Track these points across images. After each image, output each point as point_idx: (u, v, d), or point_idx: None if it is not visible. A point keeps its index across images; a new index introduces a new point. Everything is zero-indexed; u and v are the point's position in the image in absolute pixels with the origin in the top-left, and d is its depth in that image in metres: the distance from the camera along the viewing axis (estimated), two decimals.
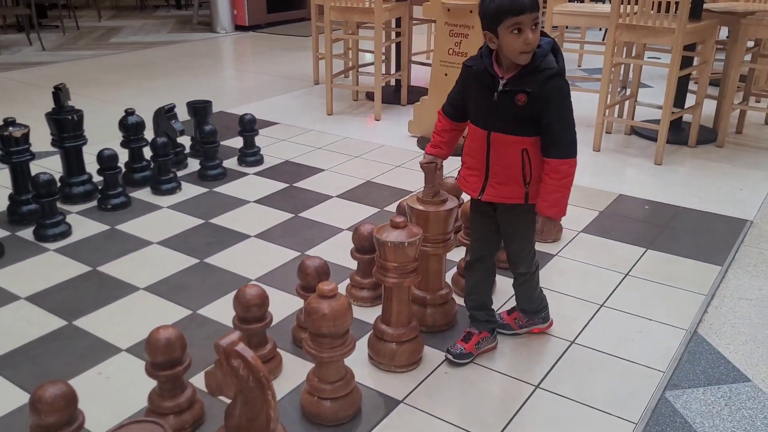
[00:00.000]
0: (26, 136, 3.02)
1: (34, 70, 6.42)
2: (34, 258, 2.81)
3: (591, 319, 2.37)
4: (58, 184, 3.11)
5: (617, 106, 4.47)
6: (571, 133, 1.89)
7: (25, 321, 2.37)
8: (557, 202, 1.93)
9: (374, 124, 4.75)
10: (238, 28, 8.70)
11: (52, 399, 1.56)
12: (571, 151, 1.89)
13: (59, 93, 3.20)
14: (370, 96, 5.26)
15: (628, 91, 4.57)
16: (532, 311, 2.22)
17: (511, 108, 1.85)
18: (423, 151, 4.04)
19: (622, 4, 3.80)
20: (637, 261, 2.77)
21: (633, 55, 4.33)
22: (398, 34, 5.24)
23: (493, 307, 2.24)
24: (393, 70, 5.50)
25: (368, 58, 5.83)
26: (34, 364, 2.14)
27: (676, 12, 3.63)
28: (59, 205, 3.07)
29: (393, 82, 5.60)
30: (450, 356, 2.13)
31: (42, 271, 2.70)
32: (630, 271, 2.70)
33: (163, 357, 1.78)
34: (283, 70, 6.47)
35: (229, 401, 1.66)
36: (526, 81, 1.83)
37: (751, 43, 4.29)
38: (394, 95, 5.32)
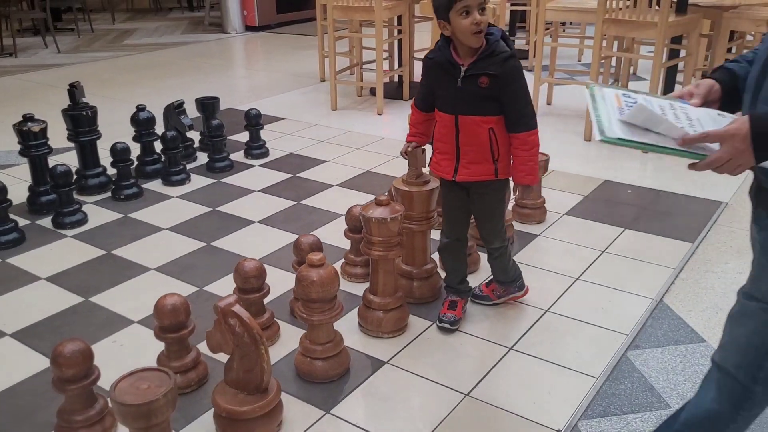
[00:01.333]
0: (44, 130, 3.24)
1: (51, 71, 6.66)
2: (52, 244, 3.02)
3: (566, 291, 2.56)
4: (74, 177, 3.32)
5: None
6: (531, 107, 2.13)
7: (46, 298, 2.59)
8: (531, 170, 2.15)
9: (377, 118, 4.93)
10: (249, 28, 8.91)
11: (71, 354, 1.78)
12: (534, 123, 2.13)
13: (74, 90, 3.43)
14: (374, 92, 5.44)
15: (619, 84, 4.73)
16: (508, 281, 2.41)
17: (474, 91, 2.05)
18: None
19: None
20: (615, 239, 2.95)
21: (624, 48, 4.49)
22: (399, 32, 5.42)
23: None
24: (396, 66, 5.68)
25: (372, 55, 6.00)
26: (55, 334, 2.35)
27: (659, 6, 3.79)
28: (75, 195, 3.29)
29: (396, 78, 5.78)
30: (446, 324, 2.32)
31: (60, 255, 2.91)
32: (607, 248, 2.88)
33: (169, 321, 1.99)
34: (292, 68, 6.66)
35: (227, 358, 1.86)
36: (486, 64, 2.03)
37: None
38: (396, 91, 5.50)
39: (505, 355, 2.19)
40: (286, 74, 6.44)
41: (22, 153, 3.25)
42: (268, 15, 9.02)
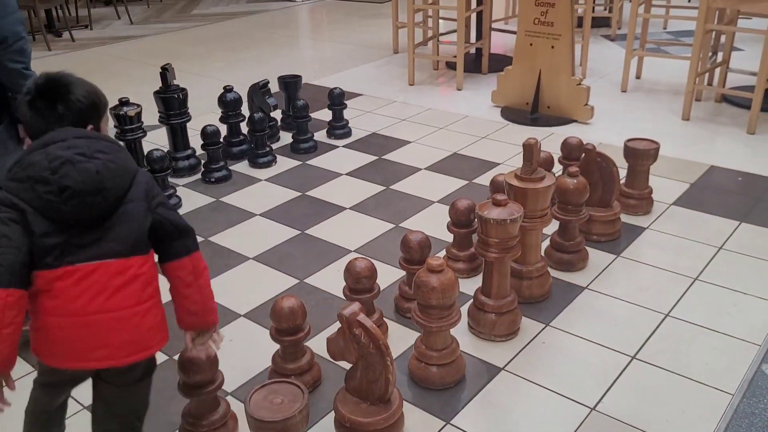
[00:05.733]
0: (139, 114, 3.25)
1: (125, 44, 6.72)
2: None
3: (685, 293, 2.43)
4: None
5: (707, 73, 4.37)
6: None
7: None
8: None
9: (456, 94, 4.80)
10: None
11: (198, 360, 1.76)
12: None
13: (166, 73, 3.41)
14: (450, 65, 5.31)
15: (719, 57, 4.46)
16: None
17: None
18: (507, 122, 4.13)
19: None
20: (731, 234, 2.79)
21: (725, 21, 4.22)
22: (479, 2, 5.24)
23: None
24: (473, 39, 5.51)
25: (447, 26, 5.84)
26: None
27: None
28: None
29: (473, 51, 5.61)
30: None
31: None
32: (724, 244, 2.72)
33: (287, 324, 1.96)
34: (361, 39, 6.55)
35: (348, 366, 1.82)
36: None
37: None
38: (474, 64, 5.34)
39: (628, 364, 2.09)
40: (357, 46, 6.33)
41: (117, 137, 3.26)
42: None
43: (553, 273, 2.52)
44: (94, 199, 1.41)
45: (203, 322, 1.65)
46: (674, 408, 1.92)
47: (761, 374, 2.03)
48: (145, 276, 1.50)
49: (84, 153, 1.42)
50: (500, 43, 5.86)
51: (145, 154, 3.21)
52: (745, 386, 1.98)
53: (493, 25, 5.51)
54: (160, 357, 2.18)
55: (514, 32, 4.50)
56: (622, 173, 2.94)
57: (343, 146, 3.91)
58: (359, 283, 2.14)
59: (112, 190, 1.45)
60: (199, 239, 2.90)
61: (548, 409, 1.94)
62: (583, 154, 2.75)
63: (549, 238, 2.67)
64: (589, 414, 1.91)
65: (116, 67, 5.82)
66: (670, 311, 2.33)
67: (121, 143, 1.73)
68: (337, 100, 4.00)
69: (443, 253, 2.68)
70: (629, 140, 2.94)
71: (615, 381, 2.03)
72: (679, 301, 2.39)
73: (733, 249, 2.69)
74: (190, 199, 3.30)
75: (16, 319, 1.38)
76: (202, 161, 3.54)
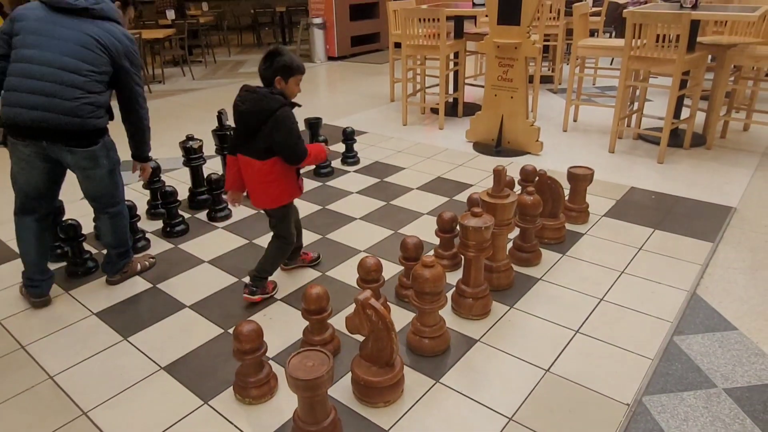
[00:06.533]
0: (201, 146, 3.23)
1: (190, 94, 6.70)
2: (209, 233, 3.02)
3: (615, 282, 2.41)
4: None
5: (626, 117, 4.38)
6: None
7: (211, 277, 2.58)
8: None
9: (439, 132, 4.80)
10: (330, 58, 8.80)
11: (248, 332, 1.74)
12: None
13: (221, 116, 3.39)
14: (434, 110, 5.30)
15: (636, 105, 4.47)
16: None
17: None
18: (478, 153, 4.11)
19: (634, 38, 3.72)
20: (648, 238, 2.78)
21: (640, 79, 4.23)
22: (455, 63, 5.25)
23: None
24: (451, 90, 5.51)
25: (431, 81, 5.84)
26: (221, 308, 2.33)
27: (677, 45, 3.54)
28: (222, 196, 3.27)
29: (451, 100, 5.61)
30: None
31: (216, 243, 2.90)
32: (643, 245, 2.71)
33: (314, 306, 1.94)
34: (366, 91, 6.54)
35: (362, 339, 1.80)
36: None
37: (732, 68, 4.13)
38: (452, 109, 5.33)
39: (573, 336, 2.08)
40: (362, 96, 6.32)
41: (184, 163, 3.24)
42: (345, 47, 8.90)
43: (516, 268, 2.51)
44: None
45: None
46: (609, 370, 1.90)
47: (673, 344, 2.02)
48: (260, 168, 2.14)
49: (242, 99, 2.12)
50: (471, 94, 5.86)
51: (205, 176, 3.19)
52: (661, 353, 1.96)
53: (466, 81, 5.51)
54: (214, 329, 2.16)
55: (482, 86, 4.50)
56: (567, 192, 2.93)
57: (353, 171, 3.89)
58: (369, 276, 2.12)
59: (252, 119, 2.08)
60: (245, 242, 2.92)
61: (513, 370, 1.92)
62: (537, 178, 2.74)
63: (512, 241, 2.66)
64: (544, 375, 1.89)
65: (183, 112, 5.80)
66: (603, 296, 2.32)
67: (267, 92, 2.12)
68: (348, 136, 3.98)
69: (432, 252, 2.66)
70: (571, 167, 2.93)
71: (563, 349, 2.01)
72: (610, 288, 2.37)
73: (650, 249, 2.68)
74: (239, 211, 3.26)
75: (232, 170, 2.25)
76: None
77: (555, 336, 2.09)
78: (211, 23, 9.96)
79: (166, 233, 2.97)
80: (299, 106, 2.14)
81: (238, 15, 11.53)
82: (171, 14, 8.66)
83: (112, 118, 2.28)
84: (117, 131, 2.30)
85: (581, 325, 2.14)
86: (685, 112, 4.24)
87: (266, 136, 2.07)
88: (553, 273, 2.51)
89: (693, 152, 4.04)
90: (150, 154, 2.50)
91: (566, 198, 2.95)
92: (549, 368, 1.92)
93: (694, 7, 3.71)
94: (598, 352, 1.99)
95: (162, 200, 2.92)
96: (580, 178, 2.88)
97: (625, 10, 3.73)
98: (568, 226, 2.88)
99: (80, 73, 2.07)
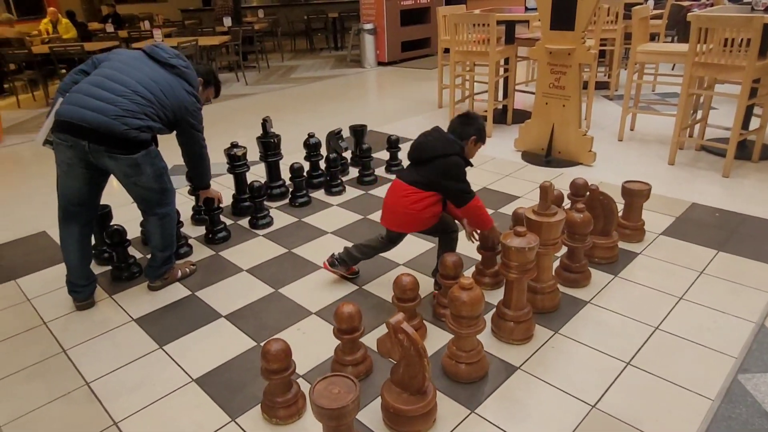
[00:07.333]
0: (245, 154, 3.23)
1: (242, 99, 6.82)
2: (250, 241, 3.00)
3: (672, 309, 2.21)
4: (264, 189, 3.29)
5: (688, 127, 4.08)
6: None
7: (248, 286, 2.55)
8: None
9: (486, 140, 4.62)
10: (380, 63, 8.77)
11: (276, 352, 1.68)
12: None
13: (265, 123, 3.38)
14: (484, 118, 5.13)
15: (699, 114, 4.16)
16: None
17: None
18: (526, 163, 3.94)
19: (699, 43, 3.45)
20: (711, 261, 2.54)
21: (704, 86, 3.93)
22: (506, 70, 5.07)
23: None
24: (500, 97, 5.33)
25: (479, 87, 5.68)
26: (256, 319, 2.30)
27: (747, 50, 3.25)
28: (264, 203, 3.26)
29: (500, 107, 5.44)
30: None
31: (256, 251, 2.88)
32: (704, 269, 2.48)
33: (346, 325, 1.86)
34: (413, 97, 6.45)
35: (394, 362, 1.71)
36: None
37: None
38: (501, 116, 5.17)
39: (624, 369, 1.90)
40: (410, 101, 6.22)
41: (229, 171, 3.24)
42: (395, 53, 8.84)
43: (562, 289, 2.35)
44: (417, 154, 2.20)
45: None
46: (663, 409, 1.72)
47: (737, 383, 1.81)
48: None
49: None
50: (521, 100, 5.66)
51: (248, 183, 3.18)
52: (724, 393, 1.76)
53: (516, 87, 5.32)
54: (247, 341, 2.12)
55: (532, 93, 4.32)
56: (620, 207, 2.73)
57: None
58: (405, 294, 2.02)
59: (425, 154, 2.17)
60: (283, 251, 2.88)
61: (556, 404, 1.77)
62: (588, 193, 2.56)
63: (559, 260, 2.49)
64: (590, 411, 1.73)
65: (234, 117, 5.89)
66: (659, 325, 2.12)
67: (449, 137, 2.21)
68: (393, 144, 3.90)
69: (473, 269, 2.53)
70: (626, 182, 2.73)
71: (612, 383, 1.84)
72: (666, 316, 2.17)
73: (712, 273, 2.44)
74: (280, 218, 3.25)
75: None
76: (290, 190, 3.50)
77: (603, 367, 1.92)
78: (266, 29, 10.14)
79: (208, 240, 2.98)
80: (471, 165, 2.21)
81: (292, 21, 11.69)
82: (228, 21, 8.86)
83: (155, 144, 2.35)
84: (165, 143, 2.32)
85: (633, 357, 1.95)
86: (754, 122, 3.91)
87: (432, 171, 2.14)
88: (603, 296, 2.32)
89: (762, 166, 3.71)
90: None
91: (620, 214, 2.75)
92: (595, 404, 1.76)
93: (767, 10, 3.41)
94: (652, 389, 1.81)
95: (205, 206, 2.93)
96: (636, 194, 2.67)
97: (689, 14, 3.46)
98: (622, 245, 2.68)
99: (144, 98, 2.20)
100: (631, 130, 4.59)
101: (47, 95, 7.21)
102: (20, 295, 2.57)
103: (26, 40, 7.76)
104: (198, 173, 2.65)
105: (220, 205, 2.94)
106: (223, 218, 3.06)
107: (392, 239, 2.37)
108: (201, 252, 2.89)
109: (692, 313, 2.18)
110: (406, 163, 3.98)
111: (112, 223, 2.68)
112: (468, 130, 2.22)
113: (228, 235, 3.01)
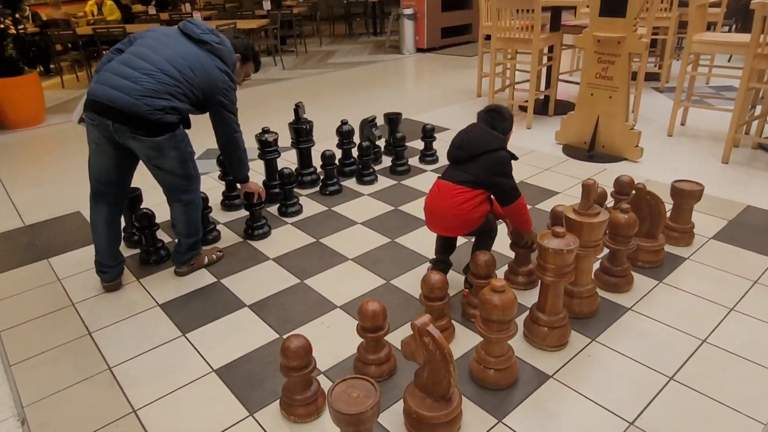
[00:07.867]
0: (276, 140, 3.17)
1: (278, 84, 6.79)
2: (278, 229, 2.96)
3: (722, 321, 2.05)
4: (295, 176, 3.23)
5: (745, 123, 3.81)
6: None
7: (273, 276, 2.50)
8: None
9: (526, 132, 4.46)
10: (419, 50, 8.60)
11: (296, 349, 1.62)
12: None
13: (298, 109, 3.32)
14: (522, 108, 4.95)
15: (758, 110, 3.87)
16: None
17: None
18: (567, 157, 3.76)
19: (762, 33, 3.19)
20: (766, 270, 2.35)
21: (765, 81, 3.65)
22: (549, 58, 4.86)
23: None
24: (543, 87, 5.12)
25: (520, 76, 5.48)
26: (279, 311, 2.25)
27: None
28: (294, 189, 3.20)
29: (542, 97, 5.23)
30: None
31: (283, 240, 2.83)
32: (759, 279, 2.29)
33: (370, 323, 1.78)
34: (451, 85, 6.28)
35: (418, 365, 1.62)
36: None
37: None
38: (542, 107, 4.96)
39: (666, 384, 1.76)
40: (448, 90, 6.06)
41: (259, 156, 3.20)
42: (434, 39, 8.65)
43: (601, 293, 2.21)
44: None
45: None
46: (708, 431, 1.59)
47: None
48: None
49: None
50: (564, 91, 5.43)
51: (279, 169, 3.13)
52: None
53: (560, 77, 5.10)
54: (270, 333, 2.07)
55: (577, 83, 4.12)
56: (668, 208, 2.55)
57: (431, 170, 3.69)
58: (433, 293, 1.93)
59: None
60: (312, 240, 2.82)
61: (590, 418, 1.66)
62: (634, 191, 2.40)
63: (599, 262, 2.35)
64: (627, 428, 1.61)
65: (269, 102, 5.87)
66: (707, 338, 1.97)
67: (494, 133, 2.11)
68: (428, 133, 3.79)
69: (506, 267, 2.41)
70: (676, 181, 2.55)
71: (653, 399, 1.71)
72: (715, 328, 2.01)
73: (767, 284, 2.26)
74: (310, 206, 3.19)
75: None
76: (321, 177, 3.43)
77: (643, 381, 1.79)
78: (305, 13, 10.08)
79: (247, 235, 2.89)
80: (516, 158, 2.11)
81: (331, 5, 11.59)
82: (267, 5, 8.84)
83: (187, 126, 2.30)
84: (200, 124, 2.27)
85: (677, 371, 1.81)
86: None
87: (481, 168, 2.04)
88: (645, 303, 2.18)
89: None
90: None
91: (668, 215, 2.58)
92: (633, 421, 1.63)
93: None
94: (696, 408, 1.67)
95: (246, 200, 2.83)
96: (687, 195, 2.49)
97: (753, 1, 3.20)
98: (668, 249, 2.51)
99: (172, 77, 2.15)
100: (682, 125, 4.33)
101: (90, 76, 7.36)
102: (51, 274, 2.60)
103: (72, 21, 7.92)
104: (232, 161, 2.50)
105: (262, 200, 2.82)
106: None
107: (448, 246, 2.30)
108: (230, 238, 2.87)
109: (744, 326, 2.02)
110: (441, 152, 3.90)
111: (142, 207, 2.67)
112: (505, 124, 2.14)
113: (268, 231, 2.89)
